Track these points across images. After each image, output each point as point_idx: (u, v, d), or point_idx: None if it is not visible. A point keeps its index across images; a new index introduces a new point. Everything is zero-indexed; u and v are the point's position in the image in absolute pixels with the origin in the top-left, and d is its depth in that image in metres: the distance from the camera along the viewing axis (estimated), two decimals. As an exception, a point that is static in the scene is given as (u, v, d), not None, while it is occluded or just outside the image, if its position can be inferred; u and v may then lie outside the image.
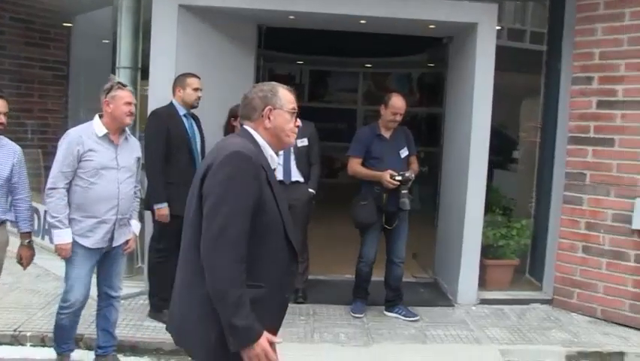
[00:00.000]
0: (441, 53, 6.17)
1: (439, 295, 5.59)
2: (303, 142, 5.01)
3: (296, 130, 2.28)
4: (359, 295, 4.99)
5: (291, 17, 5.24)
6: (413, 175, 4.72)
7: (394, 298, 4.99)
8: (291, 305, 4.68)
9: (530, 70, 6.00)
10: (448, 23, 5.14)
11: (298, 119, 2.29)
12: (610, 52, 4.95)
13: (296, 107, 2.27)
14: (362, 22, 5.27)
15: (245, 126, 2.24)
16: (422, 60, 10.20)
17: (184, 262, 2.17)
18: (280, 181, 4.72)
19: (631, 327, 4.86)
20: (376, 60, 11.49)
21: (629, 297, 4.89)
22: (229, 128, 4.72)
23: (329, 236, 6.99)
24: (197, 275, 2.02)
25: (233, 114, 4.68)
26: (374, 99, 11.89)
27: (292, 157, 4.99)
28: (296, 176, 5.02)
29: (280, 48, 11.51)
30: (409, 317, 4.90)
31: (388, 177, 4.60)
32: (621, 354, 4.45)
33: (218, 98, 4.88)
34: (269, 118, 2.20)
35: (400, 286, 5.00)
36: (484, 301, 5.31)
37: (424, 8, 5.04)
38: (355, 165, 4.82)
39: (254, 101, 2.22)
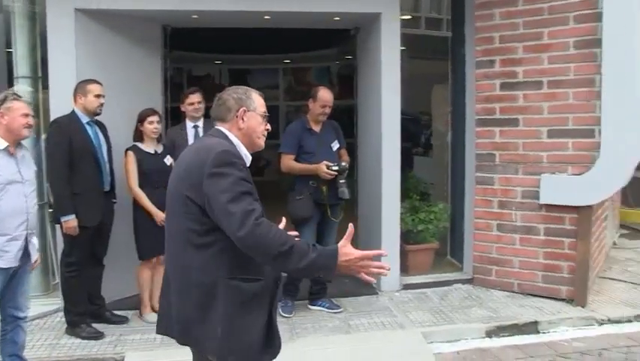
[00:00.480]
0: (352, 44, 6.22)
1: (363, 284, 5.60)
2: None
3: (266, 133, 2.38)
4: (289, 293, 4.88)
5: (195, 17, 5.14)
6: (347, 165, 4.78)
7: (318, 291, 5.00)
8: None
9: (440, 56, 6.15)
10: (351, 14, 5.19)
11: (267, 125, 2.38)
12: (508, 35, 5.13)
13: (266, 112, 2.37)
14: (266, 17, 5.24)
15: (218, 127, 2.32)
16: (339, 53, 10.28)
17: (177, 266, 2.23)
18: None
19: (544, 297, 5.09)
20: (295, 55, 11.50)
21: (541, 269, 5.11)
22: (138, 133, 4.60)
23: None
24: (196, 274, 2.14)
25: (141, 118, 4.55)
26: (295, 95, 11.93)
27: None
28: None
29: (198, 49, 11.36)
30: (333, 310, 4.92)
31: (325, 168, 4.60)
32: (535, 323, 4.66)
33: (126, 103, 4.76)
34: (242, 119, 2.29)
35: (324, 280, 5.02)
36: (407, 287, 5.41)
37: (326, 0, 5.06)
38: (289, 161, 4.77)
39: (228, 102, 2.31)
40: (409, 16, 10.34)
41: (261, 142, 2.38)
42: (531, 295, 5.17)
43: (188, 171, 2.17)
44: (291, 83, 12.25)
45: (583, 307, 4.97)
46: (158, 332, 2.38)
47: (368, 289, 5.45)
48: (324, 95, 4.77)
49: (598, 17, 4.72)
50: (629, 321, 4.86)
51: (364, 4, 5.10)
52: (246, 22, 5.57)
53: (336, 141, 4.92)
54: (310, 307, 4.99)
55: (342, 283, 5.62)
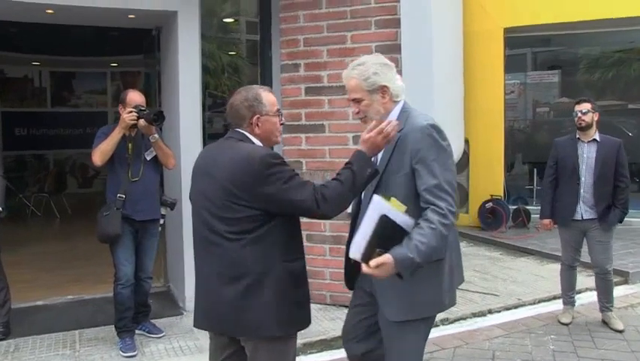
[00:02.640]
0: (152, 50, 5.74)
1: (169, 304, 5.22)
2: None
3: (281, 129, 2.55)
4: (124, 328, 4.24)
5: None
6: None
7: (137, 314, 4.47)
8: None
9: (252, 60, 5.89)
10: (145, 12, 4.75)
11: (282, 117, 2.55)
12: (313, 38, 4.96)
13: (279, 107, 2.52)
14: (49, 11, 4.65)
15: (237, 129, 2.45)
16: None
17: (213, 259, 2.39)
18: None
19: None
20: (123, 58, 10.79)
21: (352, 279, 4.96)
22: None
23: (66, 254, 6.28)
24: (235, 266, 2.33)
25: None
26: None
27: None
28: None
29: (13, 48, 10.32)
30: (155, 334, 4.51)
31: (128, 112, 4.02)
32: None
33: None
34: (257, 125, 2.42)
35: (148, 302, 4.58)
36: (215, 305, 5.04)
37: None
38: (95, 149, 4.08)
39: (241, 111, 2.43)
40: (230, 20, 10.21)
41: (278, 139, 2.56)
42: (344, 306, 5.02)
43: (233, 181, 2.29)
44: (120, 87, 11.48)
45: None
46: (197, 326, 2.54)
47: (174, 309, 5.04)
48: (134, 97, 4.19)
49: (398, 23, 4.69)
50: (436, 325, 4.79)
51: (159, 1, 4.68)
52: (25, 15, 4.91)
53: (151, 150, 4.29)
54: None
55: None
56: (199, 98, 4.85)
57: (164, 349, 4.29)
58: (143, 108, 4.09)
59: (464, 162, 8.33)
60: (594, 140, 4.67)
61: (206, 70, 11.70)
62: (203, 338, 4.40)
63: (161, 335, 4.50)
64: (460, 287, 5.58)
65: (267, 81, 5.36)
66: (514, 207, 8.43)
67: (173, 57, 4.93)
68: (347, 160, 2.39)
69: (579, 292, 5.68)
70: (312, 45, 4.96)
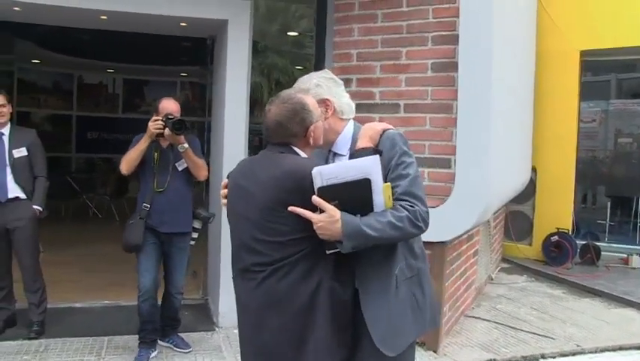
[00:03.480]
0: (205, 58, 5.68)
1: (203, 318, 5.09)
2: (21, 152, 4.33)
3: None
4: (143, 340, 4.19)
5: (16, 9, 4.52)
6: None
7: (166, 327, 4.41)
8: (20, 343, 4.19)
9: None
10: (196, 20, 4.69)
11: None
12: (366, 53, 4.76)
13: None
14: (103, 17, 4.68)
15: (292, 147, 2.20)
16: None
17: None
18: None
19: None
20: (192, 69, 10.97)
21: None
22: None
23: (113, 256, 6.30)
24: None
25: None
26: (192, 110, 11.38)
27: (8, 170, 4.27)
28: (14, 192, 4.30)
29: (91, 55, 10.69)
30: (182, 348, 4.38)
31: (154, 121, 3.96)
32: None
33: None
34: (312, 135, 2.21)
35: (178, 316, 4.46)
36: (248, 323, 4.87)
37: (172, 3, 4.55)
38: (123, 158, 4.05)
39: (293, 128, 2.17)
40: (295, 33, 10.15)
41: (321, 141, 2.29)
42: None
43: (281, 193, 2.07)
44: (189, 97, 11.68)
45: (435, 351, 4.59)
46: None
47: (207, 324, 4.91)
48: (167, 105, 4.12)
49: (456, 39, 4.41)
50: (480, 367, 4.51)
51: (212, 9, 4.62)
52: (79, 21, 4.98)
53: (182, 160, 4.17)
54: (160, 342, 4.38)
55: (181, 317, 5.05)
56: (246, 110, 4.72)
57: (188, 365, 4.16)
58: (172, 117, 3.97)
59: (530, 191, 7.85)
60: None
61: (278, 83, 11.75)
62: (230, 356, 4.28)
63: (188, 350, 4.37)
64: (513, 325, 5.31)
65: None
66: (584, 242, 7.83)
67: (223, 67, 4.85)
68: None
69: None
70: (365, 60, 4.75)
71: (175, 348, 4.39)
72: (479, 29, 4.31)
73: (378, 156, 2.08)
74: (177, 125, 3.94)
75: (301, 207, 2.02)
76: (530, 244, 8.06)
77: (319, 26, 5.27)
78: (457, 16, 4.38)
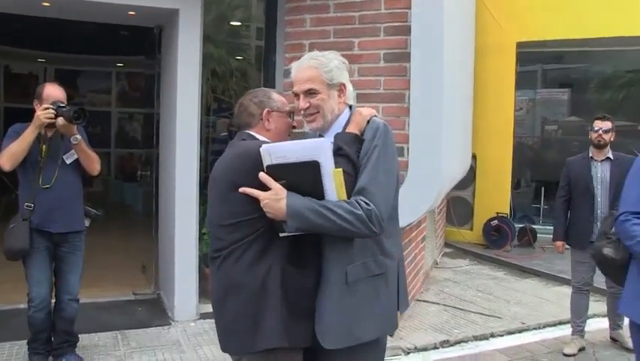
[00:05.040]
0: (153, 48, 5.53)
1: (158, 313, 5.00)
2: None
3: (292, 130, 2.35)
4: (37, 351, 3.75)
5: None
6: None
7: (62, 344, 3.85)
8: None
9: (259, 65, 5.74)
10: (146, 9, 4.56)
11: (294, 120, 2.35)
12: (319, 43, 4.76)
13: (291, 109, 2.34)
14: (45, 4, 4.48)
15: (246, 131, 2.28)
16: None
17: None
18: None
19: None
20: (128, 59, 10.65)
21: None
22: None
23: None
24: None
25: None
26: (129, 101, 11.09)
27: None
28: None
29: (20, 43, 10.21)
30: None
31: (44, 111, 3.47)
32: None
33: None
34: (268, 120, 2.27)
35: (74, 330, 3.92)
36: (205, 316, 4.81)
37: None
38: (5, 149, 3.55)
39: (250, 108, 2.29)
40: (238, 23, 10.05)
41: (284, 134, 2.33)
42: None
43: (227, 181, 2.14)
44: (125, 87, 11.34)
45: (390, 335, 4.69)
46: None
47: (162, 318, 4.83)
48: (52, 91, 3.62)
49: (408, 30, 4.50)
50: (435, 348, 4.66)
51: (159, -3, 4.52)
52: (19, 7, 4.72)
53: (72, 152, 3.70)
54: None
55: (135, 312, 4.98)
56: (198, 99, 4.66)
57: (149, 362, 4.09)
58: (62, 105, 3.54)
59: (470, 178, 8.13)
60: (607, 158, 4.52)
61: (214, 74, 11.60)
62: (190, 350, 4.25)
63: None
64: (462, 307, 5.51)
65: (269, 86, 5.19)
66: (521, 225, 8.20)
67: (173, 57, 4.75)
68: None
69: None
70: (317, 50, 4.77)
71: None
72: (431, 21, 4.40)
73: (328, 140, 2.07)
74: (77, 115, 3.48)
75: (252, 188, 2.04)
76: (471, 229, 8.37)
77: (269, 16, 5.26)
78: (409, 8, 4.47)
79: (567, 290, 6.20)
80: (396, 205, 2.28)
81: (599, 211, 4.44)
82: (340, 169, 2.03)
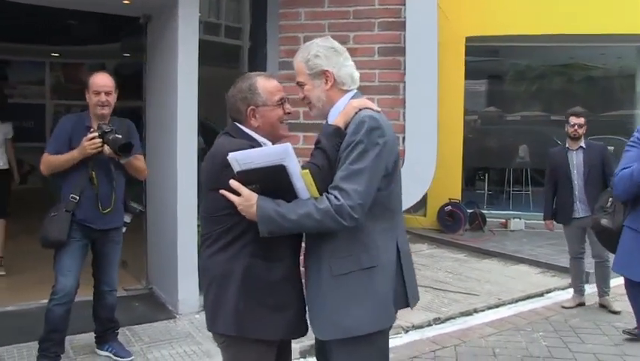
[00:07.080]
0: (139, 38, 5.41)
1: (157, 307, 4.97)
2: None
3: (285, 118, 2.30)
4: (46, 353, 3.61)
5: None
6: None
7: (104, 332, 4.00)
8: None
9: (231, 64, 5.77)
10: (143, -1, 4.51)
11: (288, 106, 2.31)
12: (314, 37, 4.84)
13: (282, 96, 2.29)
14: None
15: (236, 124, 2.28)
16: (121, 48, 9.28)
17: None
18: None
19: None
20: (65, 49, 10.19)
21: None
22: None
23: (22, 255, 5.80)
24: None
25: None
26: (65, 93, 10.59)
27: None
28: None
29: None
30: (123, 357, 3.94)
31: (89, 139, 3.45)
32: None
33: None
34: (254, 117, 2.24)
35: (114, 318, 4.02)
36: (207, 307, 4.85)
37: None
38: (47, 157, 3.58)
39: (237, 104, 2.26)
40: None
41: (284, 133, 2.33)
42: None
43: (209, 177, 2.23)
44: (60, 79, 10.84)
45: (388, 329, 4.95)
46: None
47: (164, 312, 4.81)
48: (99, 79, 3.64)
49: (402, 26, 4.72)
50: (430, 325, 4.97)
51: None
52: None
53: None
54: (98, 351, 4.03)
55: (133, 308, 4.91)
56: (196, 91, 4.65)
57: (169, 355, 4.08)
58: (107, 130, 3.48)
59: (424, 166, 8.50)
60: (581, 147, 5.16)
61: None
62: (205, 341, 4.27)
63: (129, 358, 3.93)
64: (440, 288, 5.84)
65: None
66: (471, 210, 8.71)
67: (169, 49, 4.71)
68: None
69: (549, 291, 6.02)
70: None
71: (115, 357, 3.95)
72: (425, 17, 4.65)
73: (289, 144, 2.06)
74: (123, 149, 3.45)
75: (220, 188, 2.08)
76: (425, 215, 8.78)
77: (257, 10, 5.32)
78: (404, 5, 4.69)
79: (525, 268, 6.83)
80: (394, 199, 2.27)
81: (576, 192, 5.14)
82: (307, 171, 2.05)
